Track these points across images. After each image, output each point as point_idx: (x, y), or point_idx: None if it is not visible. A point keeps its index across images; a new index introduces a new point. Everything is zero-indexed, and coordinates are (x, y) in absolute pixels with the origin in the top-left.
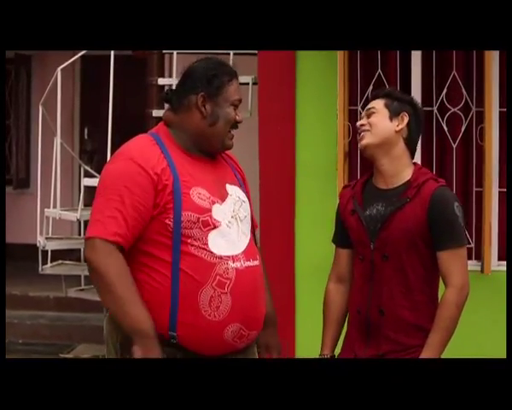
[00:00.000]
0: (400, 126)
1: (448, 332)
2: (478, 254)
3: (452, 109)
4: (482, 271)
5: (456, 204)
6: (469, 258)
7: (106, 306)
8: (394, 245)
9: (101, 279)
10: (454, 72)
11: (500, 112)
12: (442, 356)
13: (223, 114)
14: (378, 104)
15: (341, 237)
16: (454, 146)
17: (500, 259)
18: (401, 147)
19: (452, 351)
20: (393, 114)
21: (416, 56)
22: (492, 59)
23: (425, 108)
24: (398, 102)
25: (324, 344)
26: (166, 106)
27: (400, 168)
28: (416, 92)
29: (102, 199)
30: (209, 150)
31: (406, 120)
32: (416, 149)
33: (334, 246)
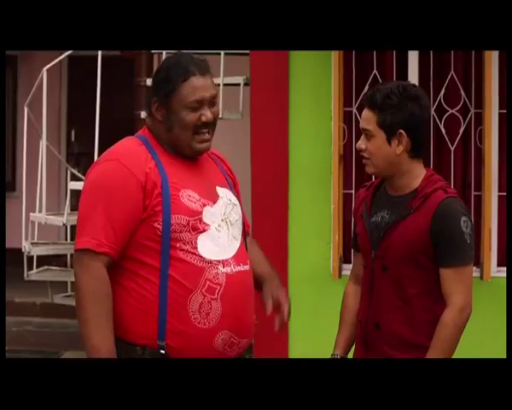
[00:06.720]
0: (401, 149)
1: (445, 354)
2: (477, 260)
3: (450, 111)
4: (481, 277)
5: (463, 218)
6: None
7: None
8: (393, 256)
9: (77, 296)
10: (452, 72)
11: (500, 113)
12: None
13: (177, 119)
14: (370, 122)
15: (355, 241)
16: (452, 149)
17: (500, 265)
18: (407, 162)
19: None
20: (390, 135)
21: (413, 56)
22: (492, 59)
23: None
24: (391, 113)
25: (337, 344)
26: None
27: (411, 179)
28: None
29: (88, 206)
30: (184, 154)
31: (405, 137)
32: (424, 149)
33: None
